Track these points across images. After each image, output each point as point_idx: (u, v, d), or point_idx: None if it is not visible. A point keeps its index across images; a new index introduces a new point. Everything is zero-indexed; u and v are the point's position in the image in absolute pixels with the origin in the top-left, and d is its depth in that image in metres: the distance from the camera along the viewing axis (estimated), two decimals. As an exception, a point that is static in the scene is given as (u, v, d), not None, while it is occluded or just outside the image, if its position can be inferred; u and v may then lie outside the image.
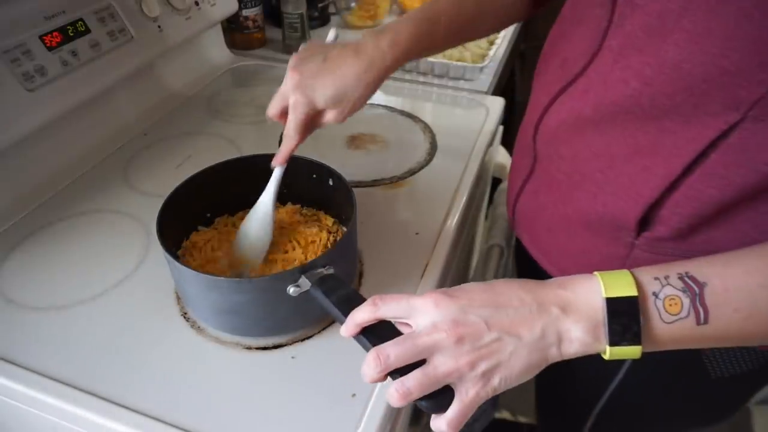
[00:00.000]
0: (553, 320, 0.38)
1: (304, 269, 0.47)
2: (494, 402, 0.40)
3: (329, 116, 0.54)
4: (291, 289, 0.47)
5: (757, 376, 0.57)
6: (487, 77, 1.00)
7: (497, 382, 0.37)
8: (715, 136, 0.41)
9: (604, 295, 0.37)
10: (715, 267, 0.38)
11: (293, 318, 0.52)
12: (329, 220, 0.62)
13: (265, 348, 0.51)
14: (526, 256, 0.65)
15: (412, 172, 0.74)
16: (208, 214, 0.61)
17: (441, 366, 0.37)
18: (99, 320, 0.54)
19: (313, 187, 0.61)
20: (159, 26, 0.82)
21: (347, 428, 0.45)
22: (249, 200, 0.63)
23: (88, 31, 0.72)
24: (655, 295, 0.37)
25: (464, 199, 0.70)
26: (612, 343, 0.37)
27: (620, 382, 0.62)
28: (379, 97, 0.94)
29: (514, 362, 0.37)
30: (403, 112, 0.88)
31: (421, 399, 0.37)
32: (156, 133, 0.82)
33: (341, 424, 0.45)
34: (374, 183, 0.72)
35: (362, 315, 0.40)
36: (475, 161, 0.77)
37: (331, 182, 0.59)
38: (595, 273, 0.39)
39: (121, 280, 0.58)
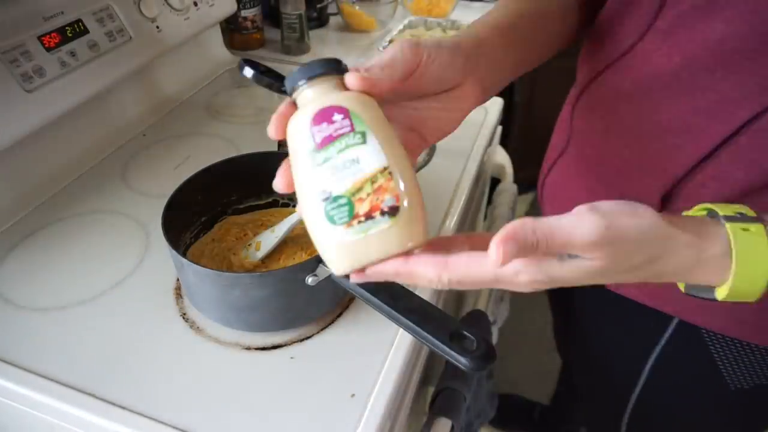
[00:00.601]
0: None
1: (322, 258, 0.48)
2: (492, 401, 0.41)
3: None
4: (309, 279, 0.48)
5: None
6: (486, 77, 1.00)
7: None
8: (749, 117, 0.41)
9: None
10: None
11: (308, 309, 0.52)
12: None
13: (264, 348, 0.51)
14: None
15: (410, 173, 0.74)
16: (203, 218, 0.61)
17: None
18: (98, 321, 0.54)
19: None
20: (157, 27, 0.82)
21: (346, 428, 0.45)
22: (243, 202, 0.64)
23: (86, 31, 0.72)
24: None
25: (463, 199, 0.70)
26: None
27: (642, 391, 0.62)
28: (377, 98, 0.94)
29: None
30: (401, 113, 0.88)
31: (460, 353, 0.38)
32: (155, 134, 0.82)
33: (340, 424, 0.45)
34: (373, 183, 0.72)
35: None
36: (474, 161, 0.77)
37: None
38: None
39: (119, 280, 0.58)
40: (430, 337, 0.41)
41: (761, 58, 0.40)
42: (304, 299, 0.50)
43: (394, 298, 0.44)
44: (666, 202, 0.49)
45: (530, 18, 0.48)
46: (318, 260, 0.48)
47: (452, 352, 0.40)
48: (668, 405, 0.64)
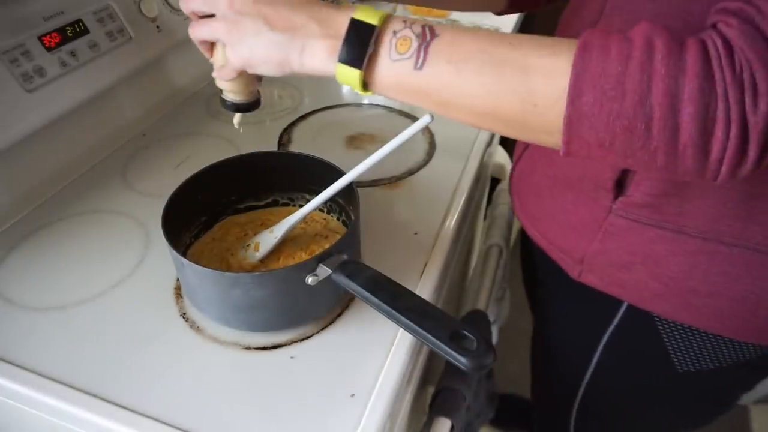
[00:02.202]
0: (305, 31, 0.42)
1: (321, 258, 0.48)
2: (492, 401, 0.41)
3: None
4: (309, 279, 0.48)
5: (727, 374, 0.57)
6: (486, 77, 1.00)
7: (245, 52, 0.44)
8: None
9: (352, 16, 0.41)
10: (456, 30, 0.41)
11: (308, 309, 0.52)
12: (333, 222, 0.63)
13: (264, 348, 0.52)
14: (529, 246, 0.67)
15: (410, 173, 0.74)
16: (204, 218, 0.61)
17: (215, 23, 0.45)
18: (98, 320, 0.54)
19: (309, 183, 0.62)
20: (158, 26, 0.82)
21: (346, 428, 0.45)
22: (243, 203, 0.64)
23: (86, 31, 0.72)
24: (395, 32, 0.41)
25: (463, 199, 0.70)
26: (340, 60, 0.41)
27: (593, 373, 0.64)
28: (377, 97, 0.94)
29: (259, 44, 0.44)
30: (401, 112, 0.88)
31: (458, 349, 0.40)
32: (155, 134, 0.82)
33: (340, 424, 0.45)
34: (373, 183, 0.72)
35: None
36: (474, 161, 0.77)
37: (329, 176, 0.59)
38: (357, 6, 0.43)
39: (120, 280, 0.58)
40: (429, 336, 0.41)
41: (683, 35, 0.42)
42: (304, 299, 0.50)
43: (394, 297, 0.44)
44: (620, 190, 0.51)
45: None
46: (318, 260, 0.48)
47: (452, 352, 0.40)
48: (617, 389, 0.65)
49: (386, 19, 0.41)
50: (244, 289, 0.48)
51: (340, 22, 0.42)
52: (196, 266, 0.48)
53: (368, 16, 0.41)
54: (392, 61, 0.41)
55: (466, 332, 0.41)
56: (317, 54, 0.42)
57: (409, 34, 0.40)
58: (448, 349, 0.40)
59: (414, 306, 0.44)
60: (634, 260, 0.53)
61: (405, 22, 0.41)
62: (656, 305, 0.54)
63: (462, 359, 0.39)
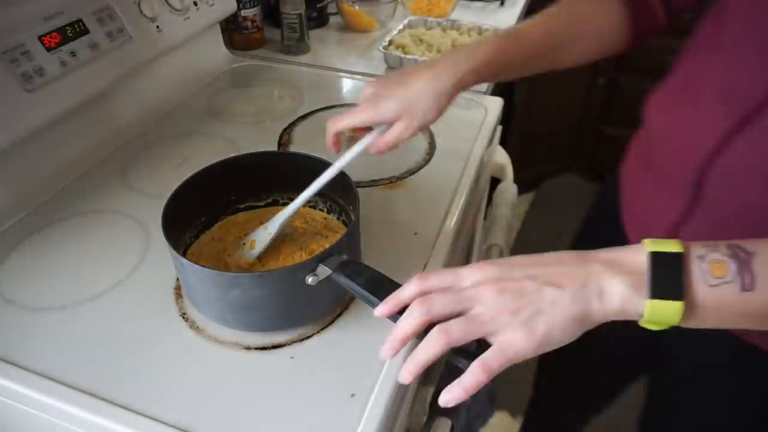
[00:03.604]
0: (595, 274, 0.38)
1: (322, 257, 0.48)
2: (492, 401, 0.41)
3: (396, 129, 0.54)
4: (309, 279, 0.48)
5: None
6: (486, 77, 1.00)
7: (542, 329, 0.37)
8: None
9: (648, 250, 0.38)
10: (765, 243, 0.37)
11: (308, 309, 0.52)
12: (333, 222, 0.63)
13: (264, 348, 0.52)
14: None
15: (410, 173, 0.74)
16: (203, 218, 0.61)
17: (483, 314, 0.38)
18: (98, 321, 0.54)
19: (308, 183, 0.61)
20: (158, 26, 0.82)
21: (346, 428, 0.45)
22: (244, 202, 0.64)
23: (86, 31, 0.72)
24: (701, 258, 0.37)
25: (463, 199, 0.70)
26: (653, 295, 0.37)
27: None
28: (377, 98, 0.94)
29: (557, 310, 0.37)
30: (401, 113, 0.88)
31: (459, 354, 0.38)
32: (155, 134, 0.82)
33: (340, 424, 0.45)
34: (373, 183, 0.72)
35: (408, 292, 0.41)
36: (474, 161, 0.77)
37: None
38: (643, 240, 0.39)
39: (120, 280, 0.58)
40: None
41: None
42: (304, 299, 0.50)
43: None
44: None
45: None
46: (318, 260, 0.48)
47: (452, 352, 0.40)
48: None
49: (685, 245, 0.37)
50: (243, 289, 0.48)
51: (630, 258, 0.38)
52: (196, 266, 0.48)
53: (664, 245, 0.38)
54: (711, 287, 0.37)
55: None
56: (618, 293, 0.37)
57: (719, 256, 0.37)
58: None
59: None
60: None
61: (705, 246, 0.37)
62: None
63: (462, 359, 0.39)
